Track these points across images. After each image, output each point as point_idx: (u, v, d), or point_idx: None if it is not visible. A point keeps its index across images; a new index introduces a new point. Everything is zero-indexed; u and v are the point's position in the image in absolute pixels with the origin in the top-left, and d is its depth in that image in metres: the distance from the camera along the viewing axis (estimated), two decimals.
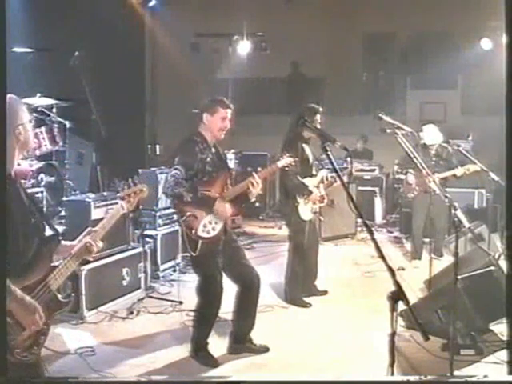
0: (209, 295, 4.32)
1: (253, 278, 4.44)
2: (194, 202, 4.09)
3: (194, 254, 4.17)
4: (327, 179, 5.81)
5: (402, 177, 9.57)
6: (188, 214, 4.12)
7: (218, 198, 4.20)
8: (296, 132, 5.54)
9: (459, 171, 6.54)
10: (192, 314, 4.74)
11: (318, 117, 5.53)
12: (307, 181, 5.58)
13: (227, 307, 4.56)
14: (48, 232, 2.70)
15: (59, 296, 2.61)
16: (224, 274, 4.38)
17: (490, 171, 6.02)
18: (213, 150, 4.36)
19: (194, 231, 4.11)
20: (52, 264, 2.62)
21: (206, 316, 4.39)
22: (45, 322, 2.50)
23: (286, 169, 4.79)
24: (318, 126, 5.34)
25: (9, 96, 2.51)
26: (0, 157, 2.35)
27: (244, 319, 4.52)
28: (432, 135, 6.88)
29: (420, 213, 6.96)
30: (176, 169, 4.10)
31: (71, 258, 2.68)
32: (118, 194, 2.96)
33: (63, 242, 2.75)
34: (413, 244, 7.31)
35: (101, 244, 2.78)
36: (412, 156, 5.09)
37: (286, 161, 4.66)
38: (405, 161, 6.43)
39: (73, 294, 2.72)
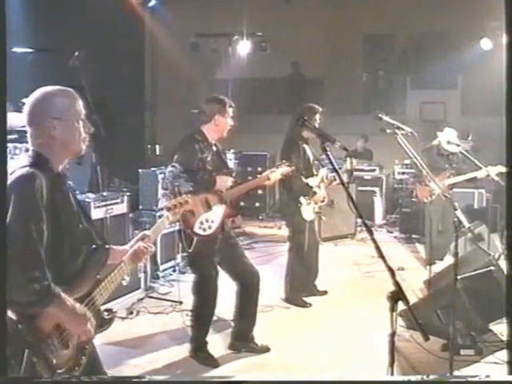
0: (204, 293, 4.34)
1: (252, 275, 4.45)
2: (194, 189, 4.07)
3: (188, 250, 4.18)
4: (327, 178, 5.81)
5: (403, 177, 9.63)
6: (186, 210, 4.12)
7: (217, 177, 4.22)
8: (296, 132, 5.55)
9: (480, 173, 6.33)
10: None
11: (317, 116, 5.54)
12: (310, 181, 5.58)
13: (227, 307, 4.56)
14: (94, 242, 2.52)
15: (104, 313, 2.46)
16: (224, 272, 4.39)
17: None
18: (213, 148, 4.38)
19: (190, 228, 4.12)
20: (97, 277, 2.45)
21: (202, 315, 4.39)
22: (87, 340, 2.35)
23: (284, 177, 4.82)
24: (318, 126, 5.35)
25: (68, 89, 2.41)
26: (0, 157, 2.30)
27: (245, 317, 4.52)
28: (448, 139, 6.76)
29: (434, 217, 6.80)
30: (173, 166, 4.11)
31: (121, 266, 2.55)
32: (164, 205, 2.92)
33: (114, 247, 2.62)
34: (428, 249, 6.94)
35: (153, 249, 2.71)
36: (412, 157, 5.08)
37: (283, 170, 4.71)
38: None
39: (114, 310, 2.53)
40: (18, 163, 2.29)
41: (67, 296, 2.23)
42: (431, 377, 2.93)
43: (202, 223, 4.16)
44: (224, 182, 4.27)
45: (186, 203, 2.96)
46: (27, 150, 2.36)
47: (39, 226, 2.18)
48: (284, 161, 4.87)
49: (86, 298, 2.35)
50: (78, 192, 6.74)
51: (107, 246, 2.58)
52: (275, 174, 4.69)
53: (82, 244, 2.41)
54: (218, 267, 4.37)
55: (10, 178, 2.21)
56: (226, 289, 4.52)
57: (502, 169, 6.08)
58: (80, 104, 2.41)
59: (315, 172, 5.73)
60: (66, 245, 2.31)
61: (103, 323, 2.44)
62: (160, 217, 6.62)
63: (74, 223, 2.37)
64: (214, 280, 4.32)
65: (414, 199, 6.93)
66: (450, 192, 5.70)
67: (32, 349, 2.16)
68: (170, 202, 2.94)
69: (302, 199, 5.50)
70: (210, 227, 4.19)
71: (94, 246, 2.49)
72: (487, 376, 2.25)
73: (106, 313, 2.46)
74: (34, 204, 2.17)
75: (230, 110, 4.37)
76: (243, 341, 4.52)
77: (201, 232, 4.15)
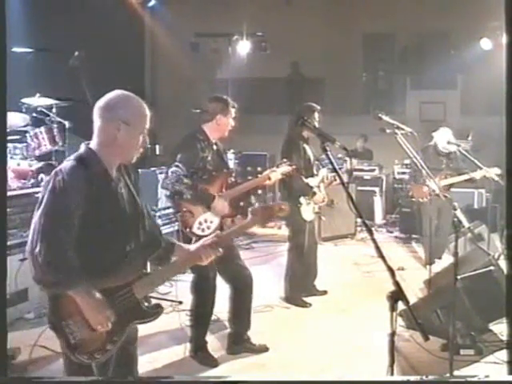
0: (202, 293, 4.34)
1: (245, 278, 4.43)
2: (193, 199, 4.09)
3: None
4: (327, 178, 5.81)
5: (403, 177, 9.63)
6: (184, 209, 4.13)
7: (217, 195, 4.21)
8: (296, 132, 5.55)
9: (477, 174, 6.36)
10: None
11: (316, 115, 5.53)
12: (310, 181, 5.58)
13: (226, 307, 4.56)
14: (149, 238, 2.62)
15: (144, 305, 2.51)
16: (217, 273, 4.38)
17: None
18: (214, 147, 4.38)
19: (188, 228, 4.11)
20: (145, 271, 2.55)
21: (200, 314, 4.39)
22: (118, 330, 2.41)
23: (285, 177, 4.82)
24: (317, 125, 5.35)
25: (143, 102, 2.53)
26: (0, 157, 2.33)
27: (239, 319, 4.52)
28: (446, 139, 6.73)
29: (432, 216, 6.78)
30: (177, 166, 4.11)
31: (174, 263, 2.63)
32: (251, 209, 2.77)
33: (180, 245, 2.72)
34: (426, 249, 7.02)
35: (220, 251, 2.69)
36: (412, 156, 5.09)
37: (284, 169, 4.70)
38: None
39: (162, 307, 2.59)
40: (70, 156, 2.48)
41: (95, 284, 2.35)
42: (430, 377, 2.93)
43: (200, 223, 4.16)
44: (221, 205, 4.23)
45: (277, 210, 2.73)
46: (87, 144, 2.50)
47: (69, 218, 2.32)
48: (285, 160, 4.86)
49: (125, 288, 2.44)
50: None
51: (173, 243, 2.70)
52: (276, 174, 4.69)
53: (125, 238, 2.50)
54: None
55: (55, 169, 2.41)
56: (227, 289, 4.51)
57: (498, 171, 6.09)
58: (148, 118, 2.55)
59: (315, 172, 5.73)
60: (105, 236, 2.42)
61: (143, 316, 2.50)
62: (160, 217, 6.63)
63: (116, 218, 2.46)
64: (213, 280, 4.32)
65: (413, 199, 6.90)
66: (446, 193, 5.68)
67: (52, 325, 2.36)
68: (258, 206, 2.74)
69: (301, 199, 5.50)
70: (208, 227, 4.18)
71: (147, 243, 2.60)
72: (486, 376, 2.25)
73: (146, 304, 2.51)
74: (68, 198, 2.32)
75: (233, 111, 4.39)
76: (239, 343, 4.51)
77: (199, 232, 4.14)
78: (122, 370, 2.56)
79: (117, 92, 2.52)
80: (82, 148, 2.49)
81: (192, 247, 2.69)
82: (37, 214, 2.32)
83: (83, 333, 2.35)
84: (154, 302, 2.60)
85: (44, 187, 2.38)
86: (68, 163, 2.41)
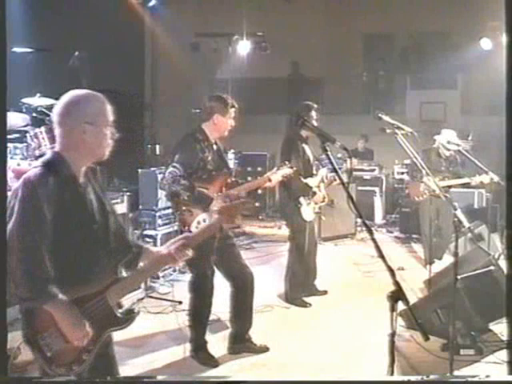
0: (199, 292, 4.34)
1: (246, 276, 4.44)
2: (190, 200, 4.08)
3: None
4: (327, 178, 5.81)
5: (403, 177, 9.63)
6: (184, 208, 4.12)
7: (215, 197, 4.20)
8: (295, 132, 5.55)
9: (476, 179, 6.30)
10: None
11: (313, 113, 5.53)
12: (309, 181, 5.58)
13: (226, 307, 4.56)
14: (118, 243, 2.56)
15: (118, 312, 2.46)
16: (218, 272, 4.39)
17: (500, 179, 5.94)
18: (214, 147, 4.36)
19: (186, 227, 4.11)
20: (116, 277, 2.49)
21: (198, 313, 4.39)
22: (94, 338, 2.36)
23: (285, 179, 4.82)
24: (315, 123, 5.34)
25: (99, 94, 2.46)
26: (0, 156, 2.31)
27: (240, 318, 4.52)
28: (450, 140, 6.66)
29: (430, 216, 6.76)
30: (174, 166, 4.09)
31: (145, 267, 2.57)
32: (217, 207, 2.85)
33: (149, 248, 2.66)
34: (426, 249, 6.97)
35: (191, 252, 2.63)
36: (412, 156, 5.09)
37: (285, 171, 4.70)
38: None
39: (136, 311, 2.55)
40: (36, 162, 2.41)
41: (68, 294, 2.28)
42: (431, 377, 2.93)
43: (199, 223, 4.14)
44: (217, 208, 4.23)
45: (242, 208, 2.78)
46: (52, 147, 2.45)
47: (41, 227, 2.25)
48: (286, 162, 4.85)
49: (98, 296, 2.39)
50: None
51: (141, 246, 2.64)
52: (276, 176, 4.69)
53: (95, 244, 2.44)
54: (214, 267, 4.37)
55: (23, 176, 2.31)
56: (227, 289, 4.51)
57: (495, 177, 6.07)
58: (109, 110, 2.46)
59: (315, 172, 5.73)
60: (75, 244, 2.36)
61: (117, 322, 2.46)
62: (160, 217, 6.63)
63: (85, 224, 2.41)
64: (210, 279, 4.32)
65: (410, 198, 6.95)
66: (447, 192, 5.68)
67: (27, 339, 2.29)
68: (225, 205, 2.81)
69: (301, 199, 5.49)
70: None
71: (117, 247, 2.54)
72: (487, 376, 2.25)
73: (120, 311, 2.47)
74: (38, 205, 2.24)
75: (232, 111, 4.33)
76: (241, 342, 4.51)
77: None
78: (103, 373, 2.50)
79: (70, 93, 2.44)
80: (49, 153, 2.42)
81: (161, 250, 2.63)
82: (9, 225, 2.24)
83: (59, 345, 2.29)
84: (126, 307, 2.55)
85: (13, 196, 2.29)
86: (36, 170, 2.32)
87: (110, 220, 2.53)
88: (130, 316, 2.50)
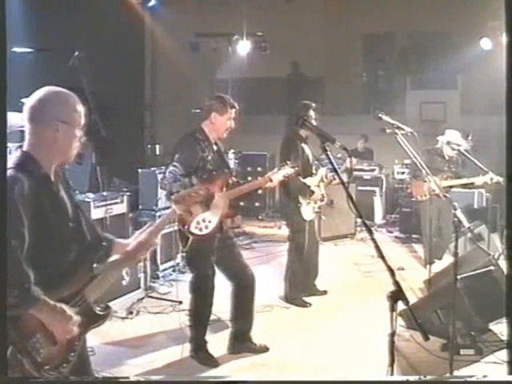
0: (200, 292, 4.34)
1: (247, 276, 4.45)
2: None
3: (183, 250, 4.18)
4: (327, 177, 5.81)
5: (403, 177, 9.63)
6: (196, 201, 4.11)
7: (216, 194, 4.20)
8: (294, 131, 5.55)
9: (479, 180, 6.30)
10: None
11: (312, 113, 5.53)
12: (308, 181, 5.58)
13: (226, 307, 4.57)
14: (92, 239, 2.54)
15: (96, 309, 2.46)
16: (219, 272, 4.39)
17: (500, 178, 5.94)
18: (214, 147, 4.36)
19: (186, 227, 4.11)
20: (92, 274, 2.47)
21: (199, 313, 4.39)
22: (77, 337, 2.36)
23: (286, 179, 4.82)
24: (314, 123, 5.34)
25: (74, 95, 2.40)
26: (0, 156, 2.29)
27: (241, 318, 4.53)
28: (453, 140, 6.61)
29: (432, 216, 6.73)
30: (174, 165, 4.09)
31: (117, 261, 2.56)
32: (173, 197, 2.85)
33: (117, 240, 2.64)
34: (426, 249, 6.95)
35: (157, 242, 2.67)
36: (412, 156, 5.09)
37: (286, 171, 4.70)
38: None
39: (111, 307, 2.53)
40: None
41: (49, 297, 2.25)
42: (428, 377, 2.93)
43: (198, 223, 4.13)
44: (220, 204, 4.22)
45: (197, 195, 2.84)
46: (20, 147, 2.36)
47: (19, 231, 2.19)
48: (288, 162, 4.84)
49: (78, 295, 2.37)
50: (77, 192, 6.78)
51: (110, 239, 2.61)
52: (277, 176, 4.68)
53: (72, 243, 2.41)
54: (215, 267, 4.37)
55: None
56: (228, 289, 4.51)
57: (495, 177, 6.06)
58: (83, 112, 2.41)
59: (314, 171, 5.73)
60: (54, 244, 2.33)
61: (97, 319, 2.45)
62: (160, 217, 6.63)
63: (62, 223, 2.37)
64: (211, 279, 4.32)
65: (413, 198, 6.91)
66: (447, 192, 5.68)
67: (16, 346, 2.22)
68: (179, 194, 2.88)
69: (301, 199, 5.50)
70: (206, 227, 4.16)
71: (90, 243, 2.50)
72: (484, 376, 2.25)
73: (98, 308, 2.46)
74: (14, 209, 2.17)
75: (232, 111, 4.32)
76: (241, 342, 4.52)
77: (197, 232, 4.13)
78: (79, 372, 2.48)
79: (47, 89, 2.36)
80: (18, 153, 2.32)
81: (130, 241, 2.62)
82: None
83: (47, 348, 2.27)
84: (102, 304, 2.53)
85: None
86: (8, 173, 2.22)
87: (81, 216, 2.50)
88: (106, 312, 2.50)
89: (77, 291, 2.37)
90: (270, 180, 4.62)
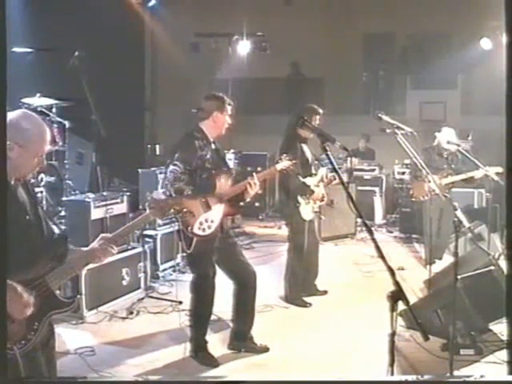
0: (201, 292, 4.34)
1: (249, 274, 4.45)
2: (194, 193, 4.08)
3: (188, 251, 4.19)
4: (327, 177, 5.81)
5: (403, 177, 9.63)
6: (185, 210, 4.12)
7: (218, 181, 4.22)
8: (294, 132, 5.54)
9: (478, 173, 6.30)
10: None
11: (317, 117, 5.52)
12: (308, 180, 5.58)
13: (228, 308, 4.57)
14: (52, 232, 2.67)
15: (59, 295, 2.58)
16: (220, 270, 4.40)
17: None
18: (212, 146, 4.38)
19: (189, 228, 4.11)
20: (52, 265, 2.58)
21: (200, 313, 4.40)
22: (37, 318, 2.47)
23: (284, 172, 4.81)
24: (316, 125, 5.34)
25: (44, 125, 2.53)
26: (0, 157, 2.33)
27: (243, 316, 4.53)
28: (450, 139, 6.65)
29: (433, 216, 6.72)
30: (175, 164, 4.11)
31: (83, 256, 2.66)
32: (150, 201, 2.87)
33: (75, 248, 2.72)
34: (427, 249, 6.89)
35: (115, 250, 2.71)
36: (412, 156, 5.09)
37: (284, 164, 4.69)
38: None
39: (78, 296, 2.65)
40: None
41: (10, 278, 2.35)
42: (425, 377, 2.93)
43: (201, 223, 4.15)
44: (224, 189, 4.26)
45: (173, 204, 2.90)
46: None
47: None
48: (285, 155, 4.81)
49: (37, 280, 2.49)
50: (77, 192, 6.79)
51: (67, 241, 2.71)
52: (277, 166, 4.69)
53: (30, 233, 2.54)
54: (216, 266, 4.37)
55: None
56: (228, 289, 4.52)
57: (500, 169, 6.07)
58: (47, 142, 2.54)
59: (314, 171, 5.72)
60: (16, 234, 2.43)
61: (60, 305, 2.56)
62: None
63: (19, 214, 2.50)
64: (212, 279, 4.33)
65: (414, 198, 6.90)
66: (448, 192, 5.68)
67: None
68: (154, 199, 2.85)
69: (300, 199, 5.49)
70: (209, 227, 4.18)
71: (50, 238, 2.63)
72: (481, 376, 2.25)
73: (59, 293, 2.58)
74: None
75: (229, 108, 4.39)
76: (242, 341, 4.52)
77: (200, 232, 4.14)
78: (41, 364, 2.58)
79: (17, 112, 2.53)
80: None
81: (87, 249, 2.71)
82: None
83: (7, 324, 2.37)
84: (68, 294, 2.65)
85: None
86: None
87: (41, 213, 2.63)
88: (72, 300, 2.61)
89: (36, 277, 2.48)
90: (268, 180, 4.63)
